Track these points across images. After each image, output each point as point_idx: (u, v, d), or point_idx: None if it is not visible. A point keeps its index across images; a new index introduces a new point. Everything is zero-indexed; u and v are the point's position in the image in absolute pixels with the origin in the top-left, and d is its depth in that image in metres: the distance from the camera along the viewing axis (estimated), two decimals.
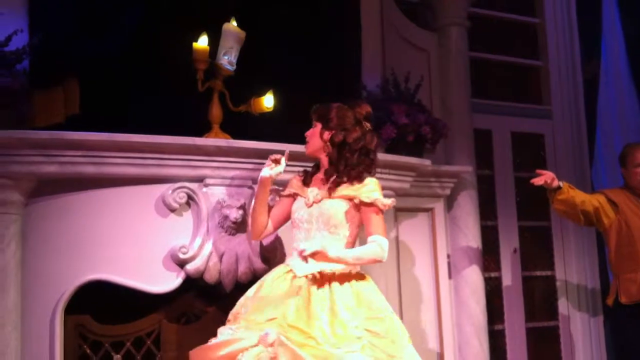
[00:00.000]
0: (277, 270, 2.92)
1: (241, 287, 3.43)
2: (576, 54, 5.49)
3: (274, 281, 2.85)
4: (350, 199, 2.86)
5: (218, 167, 3.37)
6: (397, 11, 4.69)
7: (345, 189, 2.87)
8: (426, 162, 4.18)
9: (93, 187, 3.23)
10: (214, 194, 3.34)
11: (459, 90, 4.69)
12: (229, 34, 3.47)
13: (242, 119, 3.64)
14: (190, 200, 3.34)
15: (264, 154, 3.46)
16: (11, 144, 3.03)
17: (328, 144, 2.94)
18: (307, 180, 2.99)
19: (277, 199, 3.20)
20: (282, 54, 3.75)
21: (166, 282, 3.27)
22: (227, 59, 3.47)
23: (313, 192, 2.92)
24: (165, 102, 3.51)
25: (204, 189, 3.34)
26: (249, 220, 3.17)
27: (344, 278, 2.81)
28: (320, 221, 2.85)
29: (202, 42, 3.44)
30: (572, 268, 5.20)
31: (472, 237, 4.52)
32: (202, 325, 3.41)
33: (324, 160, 2.98)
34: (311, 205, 2.89)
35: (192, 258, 3.27)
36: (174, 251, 3.26)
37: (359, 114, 2.98)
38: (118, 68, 3.46)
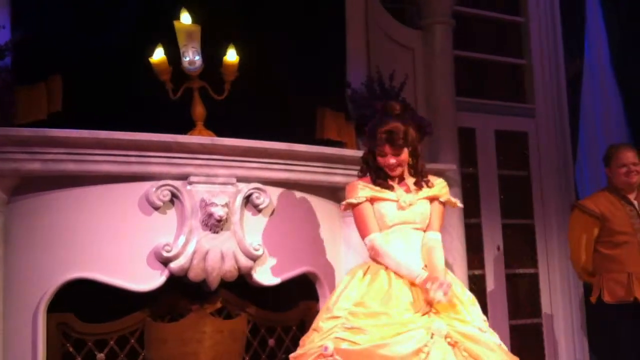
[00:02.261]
0: (384, 272, 2.95)
1: (226, 285, 3.44)
2: (559, 53, 5.52)
3: (393, 284, 2.91)
4: (434, 199, 3.11)
5: (202, 165, 3.36)
6: (382, 9, 4.70)
7: (426, 191, 3.10)
8: None
9: (76, 185, 3.21)
10: (198, 191, 3.33)
11: (443, 88, 4.71)
12: (179, 32, 3.43)
13: (227, 116, 3.62)
14: (174, 198, 3.32)
15: (248, 152, 3.47)
16: None
17: (410, 157, 3.10)
18: (384, 184, 3.07)
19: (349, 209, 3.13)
20: (266, 51, 3.74)
21: (150, 280, 3.25)
22: (188, 60, 3.43)
23: (406, 195, 3.06)
24: (150, 100, 3.50)
25: (188, 187, 3.33)
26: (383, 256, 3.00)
27: None
28: (418, 221, 3.04)
29: (158, 55, 3.40)
30: (555, 266, 5.24)
31: (455, 235, 4.53)
32: (187, 323, 3.40)
33: (405, 171, 3.12)
34: (406, 208, 3.04)
35: (176, 256, 3.26)
36: (158, 249, 3.24)
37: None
38: (102, 64, 3.44)
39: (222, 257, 3.35)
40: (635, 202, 4.07)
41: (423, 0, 4.75)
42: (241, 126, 3.60)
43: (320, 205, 3.78)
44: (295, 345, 3.72)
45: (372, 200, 3.04)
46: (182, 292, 3.41)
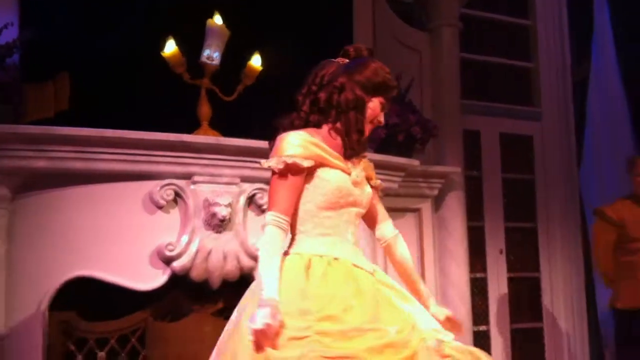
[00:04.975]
0: (347, 269, 2.18)
1: (228, 285, 3.45)
2: (566, 56, 5.51)
3: (361, 279, 2.18)
4: (368, 179, 2.34)
5: (207, 165, 3.37)
6: (389, 11, 4.70)
7: (363, 167, 2.31)
8: (415, 162, 4.19)
9: (81, 183, 3.23)
10: (202, 191, 3.34)
11: (449, 91, 4.71)
12: (208, 30, 3.49)
13: (232, 116, 3.64)
14: (178, 198, 3.34)
15: (252, 152, 3.47)
16: (1, 138, 3.02)
17: None
18: (356, 147, 2.23)
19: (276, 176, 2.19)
20: (273, 52, 3.74)
21: (152, 279, 3.27)
22: (207, 55, 3.48)
23: (355, 168, 2.26)
24: (156, 99, 3.51)
25: (192, 186, 3.34)
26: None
27: None
28: (366, 206, 2.30)
29: (169, 49, 3.44)
30: (557, 270, 5.23)
31: (458, 238, 4.53)
32: (188, 323, 3.42)
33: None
34: (359, 185, 2.25)
35: (179, 255, 3.27)
36: (161, 248, 3.26)
37: None
38: (109, 63, 3.45)
39: (225, 257, 3.36)
40: None
41: (430, 3, 4.74)
42: (247, 127, 3.61)
43: None
44: None
45: (320, 164, 2.19)
46: (183, 291, 3.43)
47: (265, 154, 3.47)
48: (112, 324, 3.28)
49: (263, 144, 3.43)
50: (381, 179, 3.85)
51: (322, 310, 2.03)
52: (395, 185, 4.08)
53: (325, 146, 2.22)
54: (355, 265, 2.20)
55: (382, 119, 2.30)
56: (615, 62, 5.80)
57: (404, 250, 2.44)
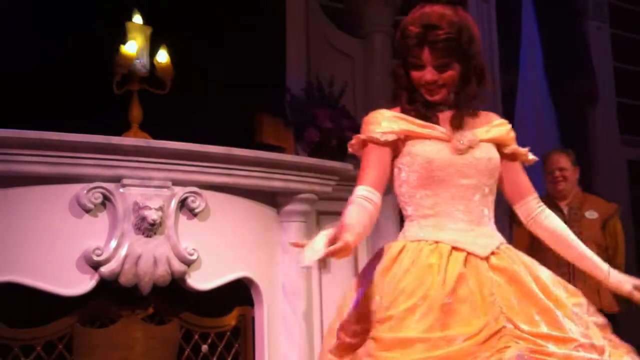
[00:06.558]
0: (426, 249, 2.01)
1: (159, 290, 3.39)
2: (495, 64, 5.64)
3: (452, 269, 1.94)
4: (500, 145, 2.11)
5: (136, 167, 3.30)
6: (323, 16, 4.73)
7: (486, 130, 2.09)
8: (349, 167, 4.21)
9: (3, 186, 3.10)
10: (131, 194, 3.27)
11: (381, 96, 4.75)
12: (134, 31, 3.44)
13: (164, 120, 3.58)
14: (106, 201, 3.25)
15: (183, 155, 3.42)
16: None
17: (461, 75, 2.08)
18: (428, 114, 2.05)
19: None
20: (205, 55, 3.71)
21: (79, 284, 3.17)
22: (140, 62, 3.43)
23: (463, 132, 2.03)
24: (86, 103, 3.43)
25: (121, 190, 3.26)
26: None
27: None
28: (485, 174, 2.04)
29: (130, 48, 3.37)
30: None
31: (391, 241, 4.55)
32: (117, 329, 3.33)
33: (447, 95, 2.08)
34: (466, 152, 2.02)
35: (107, 260, 3.19)
36: (88, 253, 3.17)
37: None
38: (38, 65, 3.35)
39: (155, 262, 3.29)
40: (566, 209, 4.02)
41: (362, 10, 4.79)
42: (179, 129, 3.56)
43: (258, 210, 3.76)
44: (229, 350, 3.69)
45: (406, 137, 2.04)
46: (112, 297, 3.34)
47: (197, 156, 3.47)
48: (37, 330, 3.16)
49: (196, 146, 3.45)
50: (315, 183, 3.93)
51: (389, 308, 1.91)
52: (329, 189, 4.08)
53: (408, 117, 2.05)
54: (456, 249, 1.95)
55: (427, 77, 2.01)
56: (542, 72, 5.99)
57: (556, 222, 2.18)
